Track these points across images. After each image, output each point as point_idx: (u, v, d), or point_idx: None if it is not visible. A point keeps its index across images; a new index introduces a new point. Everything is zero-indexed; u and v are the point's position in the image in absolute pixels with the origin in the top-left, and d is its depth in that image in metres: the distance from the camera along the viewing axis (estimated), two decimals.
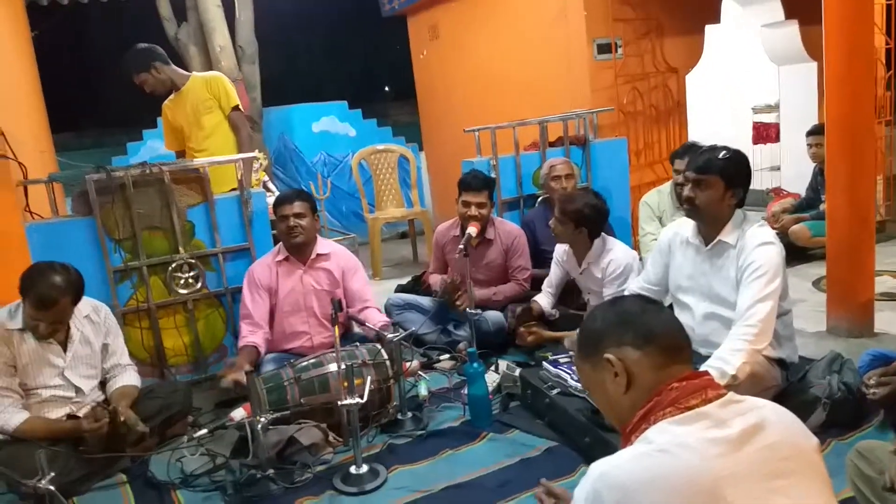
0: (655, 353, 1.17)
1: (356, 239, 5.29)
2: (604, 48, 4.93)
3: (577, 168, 4.08)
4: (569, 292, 3.56)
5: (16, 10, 5.34)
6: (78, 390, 2.67)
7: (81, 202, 3.26)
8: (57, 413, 2.61)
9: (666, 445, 1.05)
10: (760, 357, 2.43)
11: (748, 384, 2.30)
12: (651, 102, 5.22)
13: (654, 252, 2.86)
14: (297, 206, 3.21)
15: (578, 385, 2.60)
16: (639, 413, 1.14)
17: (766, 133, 6.18)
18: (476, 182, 3.57)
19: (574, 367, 2.67)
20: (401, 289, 4.39)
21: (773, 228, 3.58)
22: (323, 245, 3.38)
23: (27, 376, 2.57)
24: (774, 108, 6.21)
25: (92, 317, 2.77)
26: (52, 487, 2.04)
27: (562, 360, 2.81)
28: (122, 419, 2.54)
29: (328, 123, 7.30)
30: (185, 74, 4.06)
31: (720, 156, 2.47)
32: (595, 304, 3.37)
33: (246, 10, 6.49)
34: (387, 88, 20.70)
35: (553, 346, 3.23)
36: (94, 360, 2.73)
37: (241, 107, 4.05)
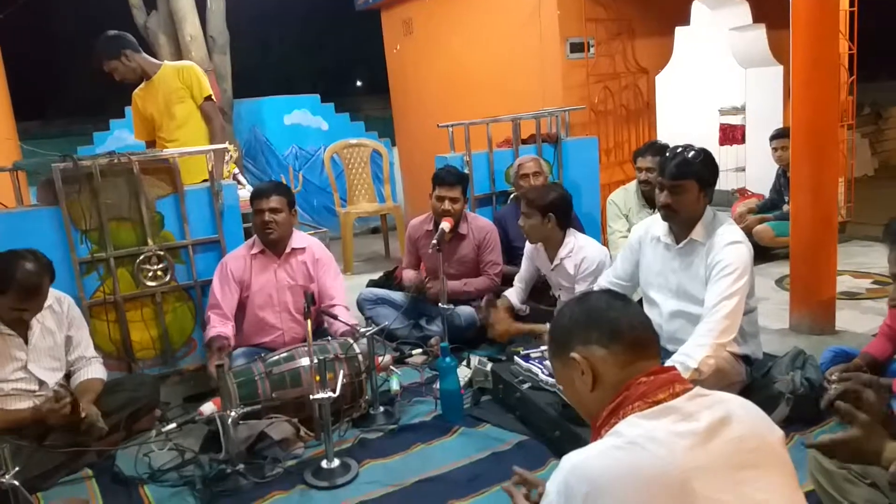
0: (621, 351, 1.19)
1: (328, 233, 5.25)
2: (576, 47, 4.98)
3: (549, 165, 4.12)
4: (539, 289, 3.60)
5: None
6: (42, 383, 2.61)
7: (47, 191, 3.18)
8: (20, 406, 2.54)
9: (636, 438, 1.07)
10: (725, 353, 2.49)
11: (713, 379, 2.36)
12: (622, 102, 5.29)
13: (624, 248, 2.90)
14: (274, 201, 3.16)
15: (549, 379, 2.64)
16: (608, 407, 1.17)
17: (732, 134, 6.30)
18: (450, 177, 3.59)
19: (545, 363, 2.72)
20: (372, 284, 4.39)
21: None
22: (298, 239, 3.34)
23: None
24: (741, 110, 6.34)
25: (54, 307, 2.71)
26: (16, 482, 2.00)
27: (533, 355, 2.84)
28: (83, 415, 2.49)
29: (300, 116, 7.24)
30: (157, 63, 3.99)
31: (691, 158, 2.51)
32: (565, 300, 3.41)
33: (217, 0, 6.40)
34: (359, 83, 20.59)
35: (524, 340, 3.25)
36: (57, 352, 2.68)
37: (213, 97, 4.00)
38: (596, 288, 3.03)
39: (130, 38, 3.89)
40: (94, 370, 2.75)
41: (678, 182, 2.49)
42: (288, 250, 3.28)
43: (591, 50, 5.02)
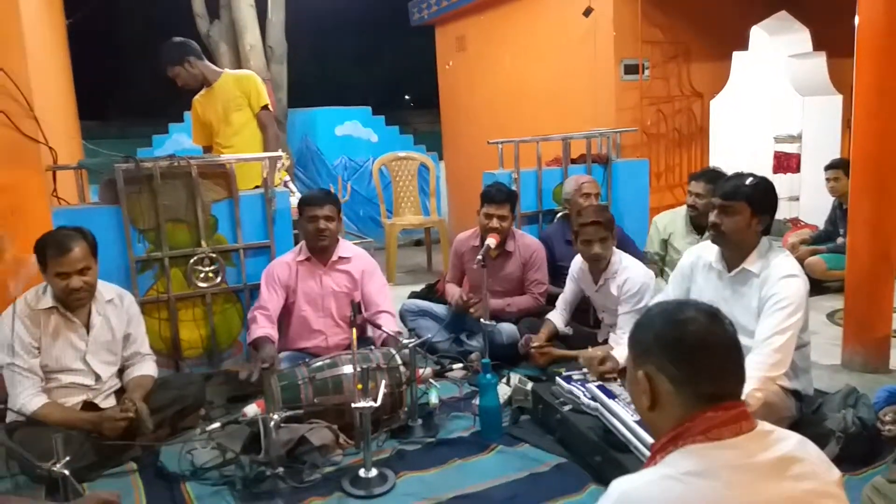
0: (689, 397, 1.12)
1: (373, 244, 5.31)
2: (631, 69, 4.95)
3: (600, 186, 4.09)
4: (583, 309, 3.56)
5: None
6: (97, 378, 2.70)
7: (108, 190, 3.30)
8: (74, 400, 2.63)
9: (691, 471, 1.05)
10: (775, 386, 2.42)
11: (761, 413, 2.30)
12: (675, 125, 5.24)
13: (675, 274, 2.86)
14: (328, 209, 3.24)
15: (591, 403, 2.61)
16: (669, 434, 1.13)
17: (787, 163, 6.16)
18: (499, 195, 3.59)
19: (587, 386, 2.69)
20: (414, 296, 4.41)
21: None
22: (344, 248, 3.41)
23: (50, 358, 2.61)
24: (797, 138, 6.20)
25: (115, 302, 2.80)
26: (66, 472, 2.06)
27: (575, 377, 2.81)
28: (132, 411, 2.56)
29: (351, 128, 7.36)
30: (218, 71, 4.11)
31: (747, 182, 2.48)
32: (609, 322, 3.37)
33: (278, 12, 6.57)
34: (409, 97, 20.83)
35: (566, 361, 3.22)
36: (114, 346, 2.76)
37: (270, 106, 4.10)
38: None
39: (194, 46, 4.02)
40: (147, 367, 2.83)
41: (728, 202, 2.46)
42: (334, 258, 3.33)
43: (646, 72, 4.99)
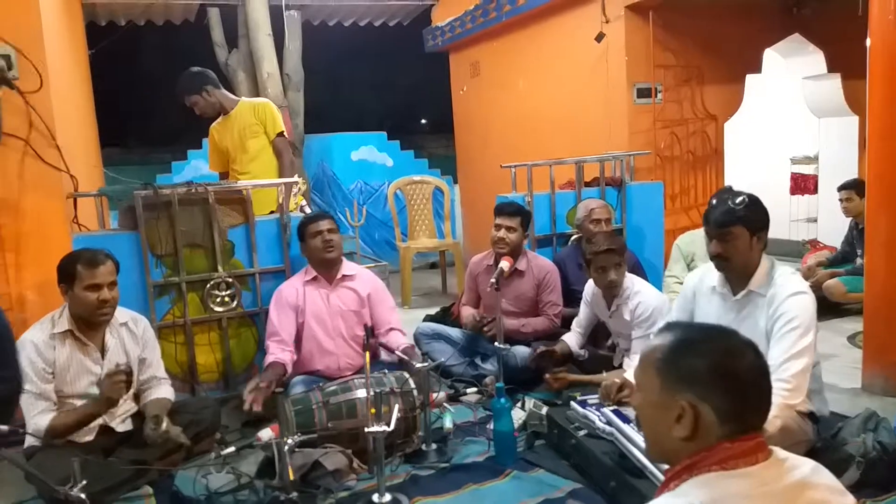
0: (731, 430, 1.10)
1: (387, 267, 5.35)
2: (643, 92, 4.97)
3: (613, 210, 4.09)
4: (599, 333, 3.55)
5: (76, 28, 5.60)
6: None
7: (128, 217, 3.36)
8: (90, 425, 2.65)
9: (704, 500, 1.04)
10: (792, 412, 2.39)
11: (778, 437, 2.26)
12: (689, 148, 5.23)
13: (679, 298, 2.84)
14: (329, 223, 3.35)
15: (606, 427, 2.58)
16: (684, 462, 1.11)
17: (804, 184, 6.14)
18: (509, 207, 3.69)
19: (602, 410, 2.67)
20: (429, 318, 4.42)
21: (808, 281, 3.54)
22: (348, 266, 3.47)
23: (64, 383, 2.64)
24: (813, 159, 6.18)
25: (130, 326, 2.84)
26: (82, 495, 2.08)
27: (590, 401, 2.79)
28: (164, 429, 2.58)
29: (366, 153, 7.44)
30: (234, 99, 4.19)
31: (737, 204, 2.41)
32: (624, 347, 3.34)
33: (295, 40, 6.70)
34: (424, 121, 21.04)
35: (581, 385, 3.20)
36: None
37: (285, 133, 4.17)
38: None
39: (212, 75, 4.11)
40: (164, 391, 2.86)
41: (725, 229, 2.40)
42: (339, 276, 3.38)
43: (659, 95, 5.00)
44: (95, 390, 2.69)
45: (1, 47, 3.08)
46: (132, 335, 2.82)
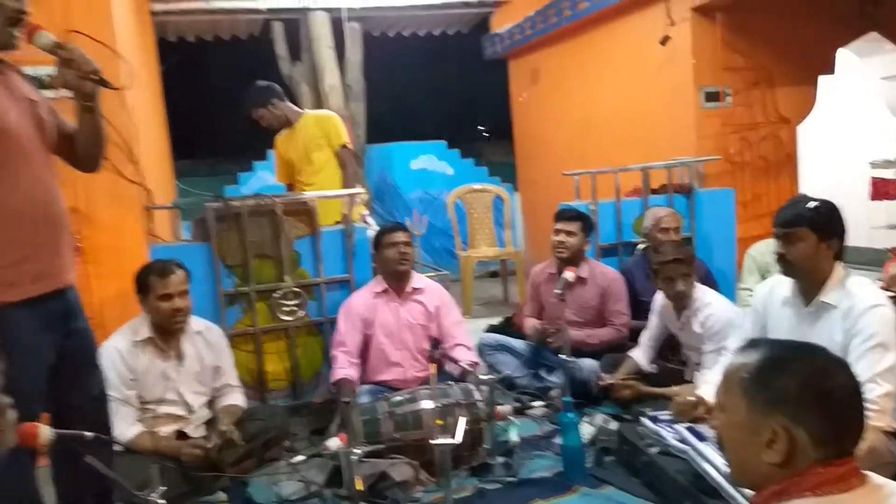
0: (824, 455, 1.05)
1: (448, 276, 5.34)
2: (711, 96, 4.83)
3: (682, 218, 3.98)
4: (668, 345, 3.45)
5: (149, 44, 5.83)
6: (189, 408, 2.80)
7: (200, 228, 3.47)
8: (167, 430, 2.75)
9: None
10: (879, 433, 2.26)
11: (866, 460, 2.14)
12: (760, 153, 5.04)
13: (750, 311, 2.73)
14: (405, 236, 3.38)
15: (679, 445, 2.50)
16: (772, 488, 1.07)
17: (884, 189, 5.84)
18: (569, 212, 3.68)
19: (675, 427, 2.59)
20: (492, 329, 4.39)
21: (891, 291, 3.35)
22: (417, 279, 3.49)
23: (145, 389, 2.73)
24: (894, 163, 5.88)
25: (205, 334, 2.93)
26: (161, 501, 2.13)
27: (662, 417, 2.71)
28: (226, 435, 2.64)
29: (426, 162, 7.48)
30: (299, 112, 4.28)
31: (807, 206, 2.32)
32: (696, 361, 3.24)
33: (355, 52, 6.80)
34: (483, 128, 21.06)
35: (652, 400, 3.12)
36: (204, 377, 2.88)
37: (349, 144, 4.22)
38: (729, 353, 2.87)
39: (277, 89, 4.20)
40: (236, 398, 2.94)
41: (789, 230, 2.30)
42: (409, 289, 3.39)
43: (728, 99, 4.85)
44: (173, 395, 2.78)
45: None
46: (207, 343, 2.91)
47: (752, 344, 1.19)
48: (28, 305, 1.82)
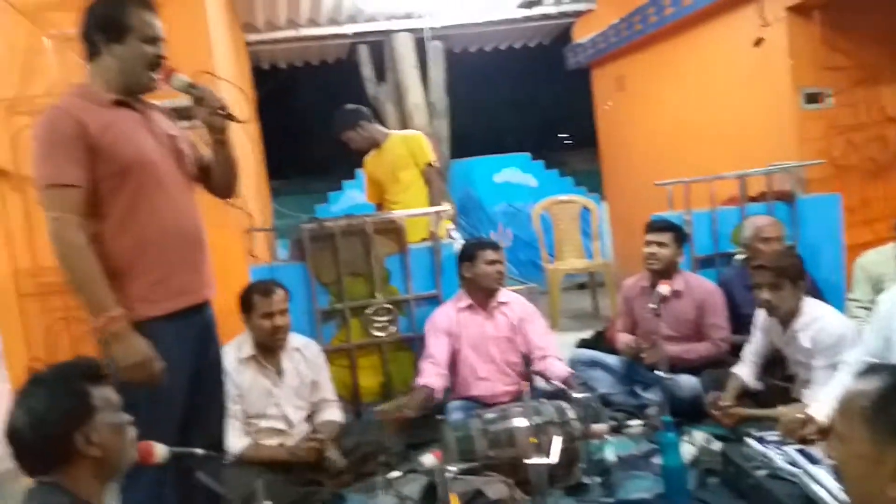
0: None
1: (535, 289, 5.30)
2: (812, 97, 4.58)
3: (784, 226, 3.79)
4: (773, 361, 3.28)
5: (245, 73, 6.13)
6: (289, 423, 2.91)
7: (296, 248, 3.61)
8: (269, 444, 2.85)
9: None
10: None
11: None
12: (868, 155, 4.74)
13: (873, 323, 2.56)
14: (500, 254, 3.40)
15: (789, 468, 2.38)
16: None
17: None
18: (660, 223, 3.60)
19: (784, 448, 2.46)
20: (583, 343, 4.31)
21: None
22: (503, 293, 3.48)
23: (249, 404, 2.86)
24: None
25: (303, 351, 3.04)
26: None
27: (769, 438, 2.59)
28: (325, 453, 2.73)
29: (510, 174, 7.48)
30: (386, 132, 4.38)
31: None
32: (804, 377, 3.06)
33: (438, 70, 6.90)
34: (566, 137, 20.88)
35: (755, 420, 2.97)
36: (303, 392, 2.98)
37: (434, 162, 4.29)
38: (846, 367, 2.70)
39: (365, 111, 4.32)
40: (333, 412, 3.03)
41: None
42: (494, 304, 3.39)
43: (829, 100, 4.59)
44: (274, 411, 2.89)
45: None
46: (305, 359, 3.02)
47: (871, 369, 1.12)
48: (171, 319, 2.00)
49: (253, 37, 6.25)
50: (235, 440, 2.75)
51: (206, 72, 2.38)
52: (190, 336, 2.08)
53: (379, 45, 6.99)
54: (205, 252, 2.17)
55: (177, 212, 2.05)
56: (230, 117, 2.10)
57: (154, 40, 1.99)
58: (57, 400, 1.46)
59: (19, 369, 3.13)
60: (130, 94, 2.02)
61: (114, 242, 1.94)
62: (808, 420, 2.51)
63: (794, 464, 2.37)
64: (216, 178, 2.25)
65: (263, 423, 2.87)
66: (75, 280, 1.87)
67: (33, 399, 1.47)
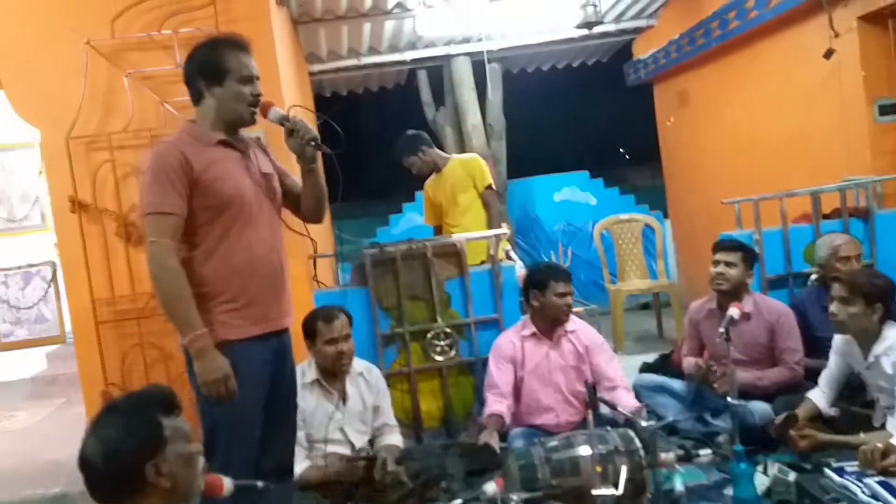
0: None
1: (596, 310, 5.22)
2: (887, 109, 4.38)
3: (861, 244, 3.62)
4: (852, 387, 3.12)
5: (308, 102, 6.31)
6: (352, 447, 2.94)
7: (358, 273, 3.67)
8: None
9: None
10: None
11: None
12: None
13: None
14: (571, 287, 3.35)
15: (870, 501, 2.25)
16: None
17: None
18: (727, 242, 3.49)
19: (865, 481, 2.33)
20: (648, 367, 4.20)
21: None
22: (569, 322, 3.41)
23: (312, 428, 2.91)
24: None
25: (365, 375, 3.08)
26: None
27: (848, 469, 2.46)
28: (388, 469, 2.74)
29: (569, 193, 7.40)
30: (445, 157, 4.44)
31: None
32: (886, 404, 2.90)
33: (496, 91, 6.92)
34: (626, 153, 20.57)
35: (835, 449, 2.82)
36: (365, 416, 3.02)
37: (492, 185, 4.30)
38: None
39: (426, 137, 4.39)
40: (394, 437, 3.05)
41: None
42: (560, 332, 3.33)
43: None
44: (338, 435, 2.93)
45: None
46: (367, 384, 3.06)
47: None
48: (252, 342, 2.15)
49: (316, 67, 6.44)
50: (296, 464, 2.79)
51: (298, 105, 2.53)
52: (267, 360, 2.20)
53: (437, 70, 7.08)
54: (286, 284, 2.31)
55: (263, 246, 2.19)
56: (319, 147, 2.24)
57: (250, 79, 2.15)
58: (130, 431, 1.50)
59: (95, 394, 3.29)
60: (233, 130, 2.20)
61: (203, 268, 2.11)
62: (891, 450, 2.37)
63: (876, 497, 2.24)
64: (306, 204, 2.41)
65: (327, 448, 2.91)
66: (166, 299, 2.03)
67: (107, 429, 1.51)
